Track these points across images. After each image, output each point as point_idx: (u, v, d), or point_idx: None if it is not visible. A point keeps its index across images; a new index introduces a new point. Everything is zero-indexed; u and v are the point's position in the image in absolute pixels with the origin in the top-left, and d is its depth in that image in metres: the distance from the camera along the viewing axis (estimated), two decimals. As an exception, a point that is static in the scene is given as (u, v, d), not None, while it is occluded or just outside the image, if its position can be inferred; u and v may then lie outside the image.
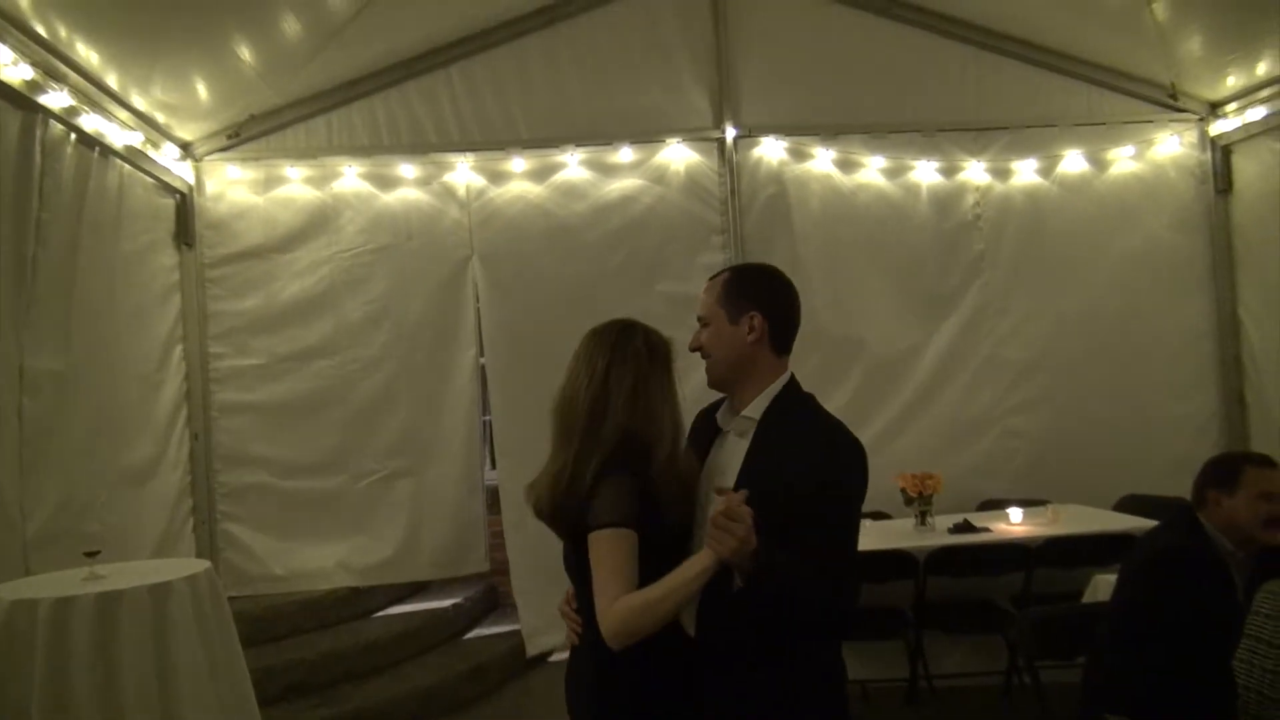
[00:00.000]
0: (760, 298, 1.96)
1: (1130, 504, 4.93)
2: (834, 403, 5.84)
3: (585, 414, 1.93)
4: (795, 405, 1.95)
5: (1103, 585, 3.51)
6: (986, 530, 4.44)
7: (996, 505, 5.04)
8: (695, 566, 1.75)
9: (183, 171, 5.26)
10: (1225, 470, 2.57)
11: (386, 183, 5.53)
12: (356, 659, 4.78)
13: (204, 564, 3.09)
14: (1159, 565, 2.55)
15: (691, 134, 5.62)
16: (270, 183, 5.47)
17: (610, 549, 1.81)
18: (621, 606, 1.77)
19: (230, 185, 5.43)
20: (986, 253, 5.73)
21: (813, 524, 1.76)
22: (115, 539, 4.13)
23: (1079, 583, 3.86)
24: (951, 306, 5.72)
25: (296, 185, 5.47)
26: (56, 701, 2.54)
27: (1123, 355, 5.68)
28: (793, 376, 1.98)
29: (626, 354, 1.96)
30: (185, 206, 5.29)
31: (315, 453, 5.41)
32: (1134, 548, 2.80)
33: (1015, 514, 4.63)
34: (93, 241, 4.30)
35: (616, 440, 1.89)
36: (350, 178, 5.49)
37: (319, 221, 5.48)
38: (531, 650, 5.31)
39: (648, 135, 5.60)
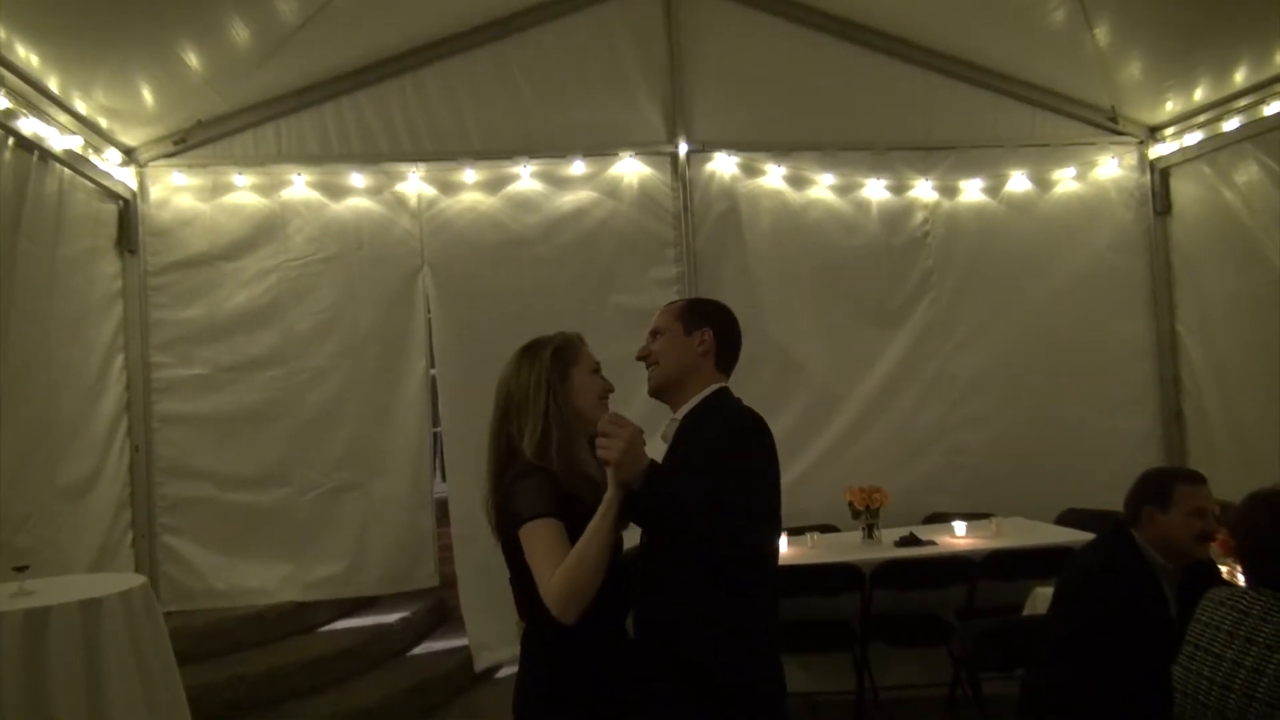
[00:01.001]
0: (713, 318, 2.20)
1: (1070, 517, 5.03)
2: (784, 417, 5.88)
3: (493, 434, 2.13)
4: (716, 403, 2.12)
5: (1042, 598, 3.57)
6: (932, 543, 4.50)
7: (942, 519, 5.12)
8: (602, 504, 1.89)
9: (126, 177, 5.16)
10: (1158, 487, 2.63)
11: (336, 192, 5.47)
12: (300, 676, 4.69)
13: (139, 579, 3.02)
14: (1093, 579, 2.61)
15: (644, 148, 5.65)
16: (217, 190, 5.38)
17: (539, 537, 1.92)
18: (556, 578, 1.86)
19: (175, 192, 5.34)
20: (935, 269, 5.83)
21: (709, 479, 1.90)
22: (51, 553, 4.03)
23: (1020, 595, 3.93)
24: (901, 322, 5.81)
25: (244, 193, 5.39)
26: (-19, 721, 2.47)
27: (1065, 372, 5.80)
28: (724, 387, 2.17)
29: (526, 365, 2.14)
30: (128, 213, 5.18)
31: (260, 465, 5.31)
32: (1070, 562, 2.85)
33: (959, 527, 4.70)
34: (31, 247, 4.20)
35: (525, 448, 2.04)
36: (299, 186, 5.42)
37: (267, 230, 5.40)
38: (479, 665, 5.24)
39: (601, 149, 5.61)
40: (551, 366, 2.11)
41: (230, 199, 5.39)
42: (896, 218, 5.83)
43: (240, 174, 5.37)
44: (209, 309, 5.32)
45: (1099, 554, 2.71)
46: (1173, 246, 5.84)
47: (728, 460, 1.94)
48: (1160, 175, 5.83)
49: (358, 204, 5.49)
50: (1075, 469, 5.54)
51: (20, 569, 2.91)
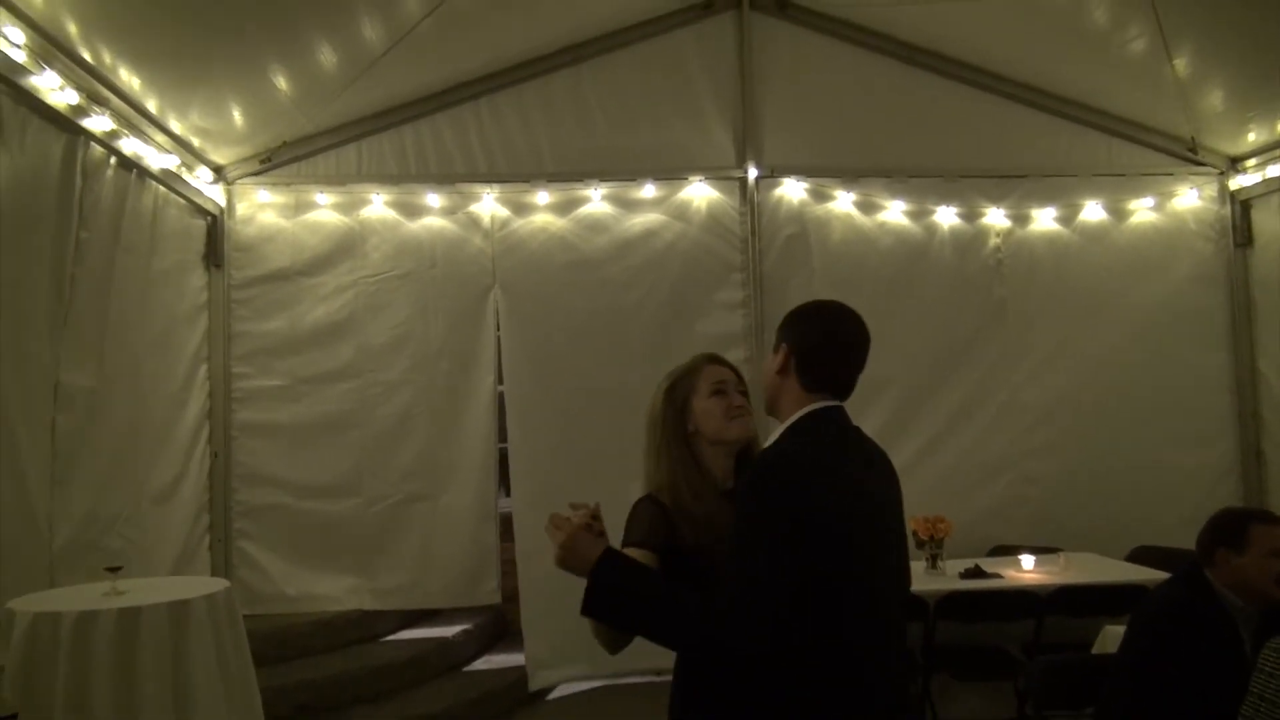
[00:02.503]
0: (790, 330, 1.95)
1: (1142, 555, 4.92)
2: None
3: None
4: (781, 436, 1.87)
5: (1112, 636, 3.50)
6: (998, 576, 4.44)
7: (1008, 551, 5.05)
8: None
9: (215, 194, 5.39)
10: (1232, 529, 2.58)
11: (412, 211, 5.63)
12: (365, 682, 4.80)
13: (223, 583, 3.15)
14: (1165, 621, 2.57)
15: (714, 172, 5.70)
16: (299, 208, 5.57)
17: None
18: None
19: (260, 209, 5.55)
20: (1008, 297, 5.76)
21: (734, 554, 1.71)
22: (137, 554, 4.21)
23: (1089, 632, 3.85)
24: (971, 349, 5.76)
25: (325, 211, 5.58)
26: (78, 713, 2.59)
27: (1139, 405, 5.68)
28: (816, 411, 1.86)
29: (653, 402, 2.12)
30: (216, 228, 5.41)
31: (332, 475, 5.46)
32: (1143, 602, 2.80)
33: (1027, 561, 4.63)
34: (128, 261, 4.42)
35: (654, 475, 2.06)
36: (377, 205, 5.59)
37: (345, 247, 5.58)
38: (534, 685, 5.29)
39: (671, 173, 5.69)
40: (666, 404, 2.10)
41: (312, 216, 5.58)
42: (968, 245, 5.79)
43: (322, 193, 5.56)
44: (289, 322, 5.50)
45: (1172, 595, 2.66)
46: (1254, 280, 5.70)
47: (738, 533, 1.72)
48: (1241, 207, 5.71)
49: (433, 223, 5.63)
50: (1147, 505, 5.43)
51: (113, 569, 3.06)
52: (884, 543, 1.85)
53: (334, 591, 5.39)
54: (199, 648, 2.79)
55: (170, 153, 4.79)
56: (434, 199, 5.61)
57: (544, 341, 5.56)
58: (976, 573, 4.46)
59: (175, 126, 4.83)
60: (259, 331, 5.49)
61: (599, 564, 1.73)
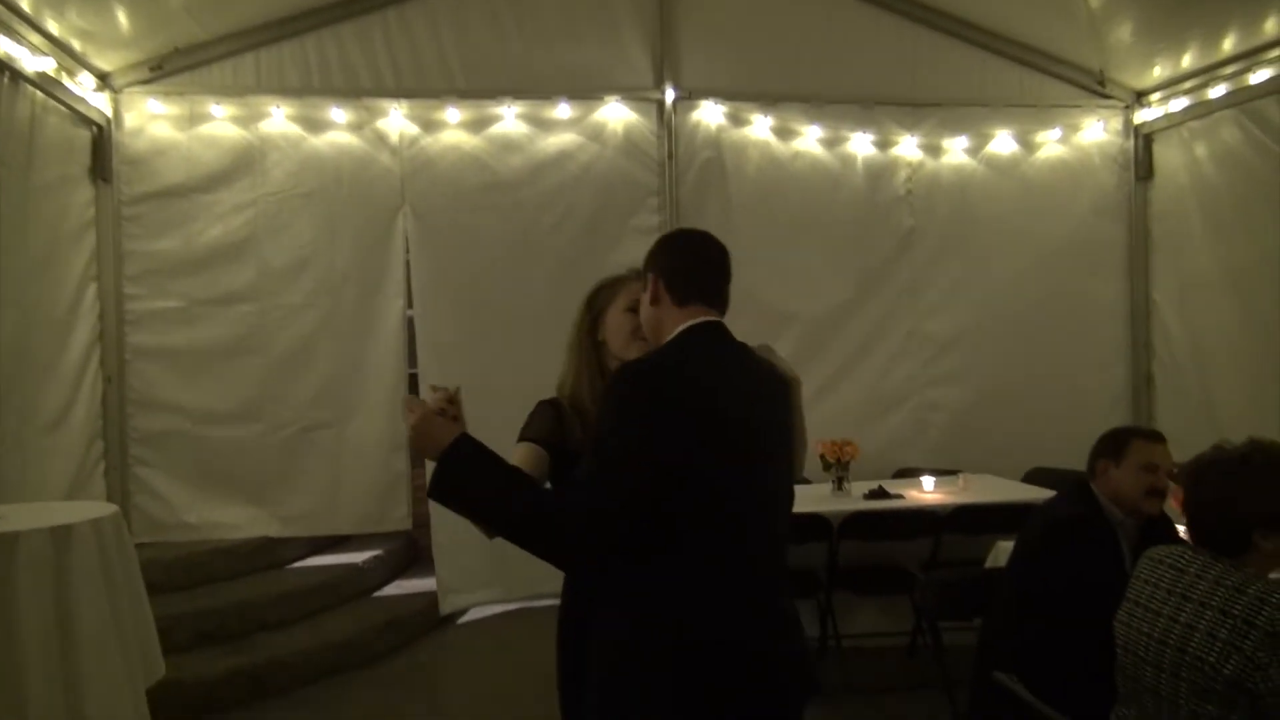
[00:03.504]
0: (654, 259, 1.93)
1: (1037, 476, 5.11)
2: (759, 368, 5.85)
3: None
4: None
5: (1003, 551, 3.65)
6: (900, 497, 4.56)
7: (911, 474, 5.19)
8: None
9: (100, 103, 5.04)
10: (1114, 442, 2.71)
11: (316, 126, 5.37)
12: (270, 610, 4.74)
13: (111, 507, 3.00)
14: (1050, 532, 2.67)
15: (630, 93, 5.57)
16: (194, 119, 5.27)
17: (512, 456, 2.03)
18: None
19: (151, 120, 5.22)
20: (916, 228, 5.83)
21: (589, 453, 1.73)
22: (23, 482, 4.02)
23: (984, 549, 4.01)
24: (880, 278, 5.82)
25: (221, 123, 5.28)
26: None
27: (1040, 333, 5.85)
28: (693, 326, 1.83)
29: (581, 304, 2.29)
30: (102, 140, 5.07)
31: (233, 400, 5.29)
32: (1031, 516, 2.91)
33: (928, 482, 4.76)
34: (3, 174, 4.11)
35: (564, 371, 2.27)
36: (278, 119, 5.32)
37: (244, 162, 5.30)
38: (445, 608, 5.30)
39: (586, 92, 5.53)
40: (585, 308, 2.24)
41: (207, 129, 5.28)
42: (881, 174, 5.80)
43: (218, 104, 5.26)
44: (184, 241, 5.24)
45: (1058, 508, 2.78)
46: (1152, 213, 5.87)
47: (594, 432, 1.75)
48: (1144, 141, 5.83)
49: (338, 139, 5.39)
50: (1045, 428, 5.60)
51: (-11, 495, 2.91)
52: (755, 457, 1.79)
53: (238, 519, 5.26)
54: (83, 575, 2.66)
55: (46, 55, 4.45)
56: (339, 114, 5.36)
57: (455, 265, 5.41)
58: (880, 494, 4.58)
59: (52, 27, 4.47)
60: (152, 251, 5.21)
61: (449, 448, 1.71)
